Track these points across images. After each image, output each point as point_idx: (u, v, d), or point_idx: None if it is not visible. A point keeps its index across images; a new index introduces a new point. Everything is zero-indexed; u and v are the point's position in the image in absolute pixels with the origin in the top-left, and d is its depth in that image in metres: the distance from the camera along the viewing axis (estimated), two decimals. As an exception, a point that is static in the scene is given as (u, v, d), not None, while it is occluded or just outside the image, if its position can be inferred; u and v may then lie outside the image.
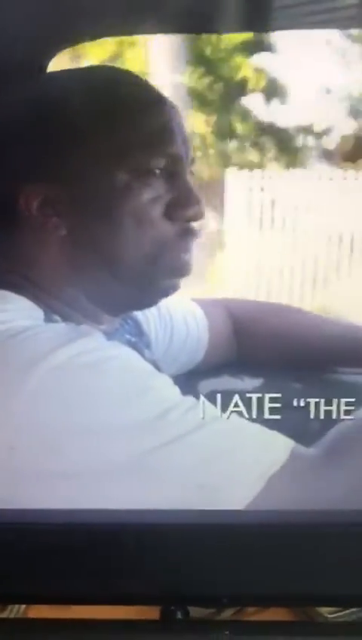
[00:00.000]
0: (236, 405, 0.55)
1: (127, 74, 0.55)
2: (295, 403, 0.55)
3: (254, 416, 0.56)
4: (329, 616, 0.68)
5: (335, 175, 0.55)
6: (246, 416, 0.55)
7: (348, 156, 0.53)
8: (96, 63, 0.57)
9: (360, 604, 0.67)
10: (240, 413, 0.55)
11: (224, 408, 0.55)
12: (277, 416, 0.55)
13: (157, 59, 0.55)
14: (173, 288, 0.57)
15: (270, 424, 0.56)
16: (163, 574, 0.58)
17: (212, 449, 0.55)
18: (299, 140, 0.53)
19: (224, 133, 0.56)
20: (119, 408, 0.54)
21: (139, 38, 0.55)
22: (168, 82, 0.57)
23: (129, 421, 0.54)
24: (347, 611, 0.68)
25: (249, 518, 0.57)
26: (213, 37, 0.51)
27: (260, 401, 0.55)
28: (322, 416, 0.56)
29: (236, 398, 0.55)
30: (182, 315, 0.62)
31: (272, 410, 0.55)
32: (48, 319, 0.56)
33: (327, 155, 0.53)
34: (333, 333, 0.60)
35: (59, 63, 0.57)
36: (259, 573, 0.59)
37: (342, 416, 0.55)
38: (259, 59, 0.52)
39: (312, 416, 0.56)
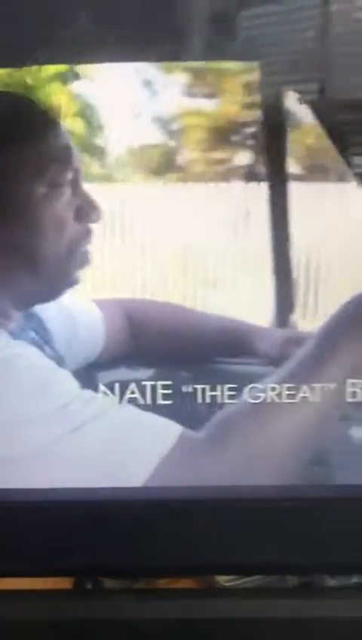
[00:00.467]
0: (132, 392, 0.63)
1: (25, 98, 0.62)
2: (184, 389, 0.64)
3: (148, 401, 0.64)
4: (225, 584, 0.76)
5: (154, 187, 0.65)
6: (142, 401, 0.64)
7: (155, 171, 0.64)
8: None
9: (252, 573, 0.75)
10: (135, 400, 0.63)
11: (121, 395, 0.63)
12: (169, 402, 0.64)
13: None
14: (76, 281, 0.65)
15: (163, 411, 0.64)
16: (74, 548, 0.65)
17: (109, 435, 0.63)
18: (114, 157, 0.64)
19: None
20: (27, 402, 0.62)
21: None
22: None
23: (36, 413, 0.61)
24: (243, 580, 0.77)
25: (146, 495, 0.64)
26: (34, 67, 0.61)
27: (153, 388, 0.63)
28: (208, 401, 0.64)
29: (132, 386, 0.63)
30: (81, 313, 0.69)
31: (164, 396, 0.63)
32: None
33: (142, 170, 0.64)
34: (216, 328, 0.68)
35: None
36: (158, 547, 0.66)
37: (226, 400, 0.64)
38: (74, 86, 0.61)
39: (200, 400, 0.64)
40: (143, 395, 0.63)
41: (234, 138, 0.62)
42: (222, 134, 0.62)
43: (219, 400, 0.63)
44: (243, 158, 0.62)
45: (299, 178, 0.63)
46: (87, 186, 0.63)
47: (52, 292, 0.65)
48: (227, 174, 0.63)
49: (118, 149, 0.63)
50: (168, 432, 0.63)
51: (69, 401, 0.62)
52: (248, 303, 0.67)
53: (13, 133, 0.62)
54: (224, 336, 0.68)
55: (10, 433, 0.61)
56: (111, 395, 0.63)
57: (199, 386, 0.63)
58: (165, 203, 0.65)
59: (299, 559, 0.68)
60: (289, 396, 0.63)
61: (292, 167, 0.63)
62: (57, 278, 0.65)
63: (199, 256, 0.65)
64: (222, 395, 0.64)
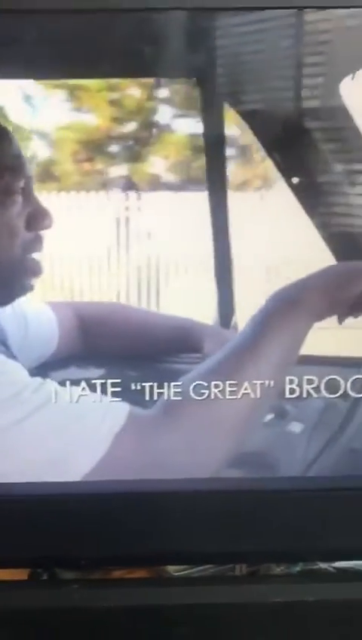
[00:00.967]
0: (83, 389, 0.67)
1: None
2: (133, 387, 0.68)
3: (99, 400, 0.67)
4: (175, 574, 0.80)
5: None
6: (92, 400, 0.67)
7: (42, 178, 0.68)
8: None
9: (201, 562, 0.79)
10: (86, 397, 0.67)
11: (72, 394, 0.67)
12: (118, 399, 0.68)
13: None
14: (31, 288, 0.68)
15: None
16: (29, 539, 0.68)
17: (62, 419, 0.66)
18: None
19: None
20: None
21: None
22: None
23: None
24: (193, 569, 0.81)
25: (97, 487, 0.68)
26: None
27: (103, 385, 0.67)
28: (156, 397, 0.68)
29: (83, 384, 0.67)
30: (34, 314, 0.72)
31: (114, 394, 0.67)
32: None
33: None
34: (164, 327, 0.72)
35: None
36: (110, 538, 0.69)
37: (173, 397, 0.68)
38: None
39: (148, 397, 0.68)
40: (94, 392, 0.67)
41: (109, 150, 0.67)
42: (97, 147, 0.67)
43: (165, 397, 0.68)
44: (119, 169, 0.67)
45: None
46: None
47: (5, 298, 0.68)
48: (104, 184, 0.68)
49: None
50: (118, 410, 0.67)
51: (20, 389, 0.65)
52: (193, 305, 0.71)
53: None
54: (171, 336, 0.72)
55: None
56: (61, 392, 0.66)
57: (147, 384, 0.67)
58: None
59: (245, 549, 0.73)
60: (232, 392, 0.67)
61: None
62: (9, 285, 0.68)
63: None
64: (169, 392, 0.68)
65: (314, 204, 0.68)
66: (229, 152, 0.67)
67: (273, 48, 0.64)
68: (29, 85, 0.65)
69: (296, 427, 0.71)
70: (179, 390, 0.67)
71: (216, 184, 0.67)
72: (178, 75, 0.65)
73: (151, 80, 0.66)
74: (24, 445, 0.65)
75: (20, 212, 0.66)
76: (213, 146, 0.66)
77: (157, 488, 0.69)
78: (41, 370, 0.68)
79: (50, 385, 0.66)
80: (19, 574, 0.75)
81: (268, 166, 0.67)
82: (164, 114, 0.66)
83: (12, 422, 0.65)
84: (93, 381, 0.67)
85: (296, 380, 0.68)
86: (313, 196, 0.68)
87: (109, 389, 0.67)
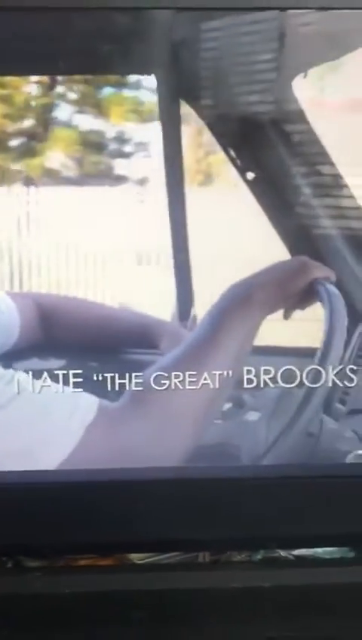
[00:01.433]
0: (45, 380, 0.69)
1: None
2: (94, 378, 0.70)
3: (61, 390, 0.69)
4: (138, 562, 0.81)
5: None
6: (54, 390, 0.69)
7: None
8: None
9: (164, 550, 0.81)
10: (48, 388, 0.69)
11: (35, 384, 0.69)
12: (80, 389, 0.69)
13: None
14: None
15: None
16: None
17: (29, 414, 0.68)
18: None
19: None
20: None
21: None
22: None
23: None
24: (158, 557, 0.83)
25: (63, 477, 0.70)
26: None
27: (65, 376, 0.69)
28: (117, 388, 0.70)
29: (45, 374, 0.69)
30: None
31: (75, 384, 0.69)
32: None
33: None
34: (122, 321, 0.74)
35: None
36: (73, 526, 0.71)
37: (134, 388, 0.70)
38: None
39: (109, 388, 0.70)
40: (56, 382, 0.69)
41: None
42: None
43: (127, 387, 0.70)
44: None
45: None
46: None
47: None
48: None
49: None
50: (88, 403, 0.69)
51: None
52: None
53: None
54: (130, 330, 0.74)
55: None
56: (25, 382, 0.68)
57: (108, 375, 0.69)
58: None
59: (206, 536, 0.75)
60: (191, 383, 0.69)
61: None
62: None
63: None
64: (130, 382, 0.70)
65: (269, 199, 0.70)
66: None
67: (228, 46, 0.66)
68: None
69: (253, 416, 0.74)
70: (140, 381, 0.69)
71: (173, 178, 0.69)
72: (134, 71, 0.67)
73: (45, 78, 0.67)
74: None
75: None
76: (170, 141, 0.68)
77: (121, 477, 0.71)
78: (5, 361, 0.70)
79: (19, 376, 0.68)
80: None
81: (222, 161, 0.69)
82: (59, 111, 0.68)
83: None
84: (56, 372, 0.69)
85: (254, 371, 0.70)
86: (267, 192, 0.70)
87: (71, 380, 0.69)
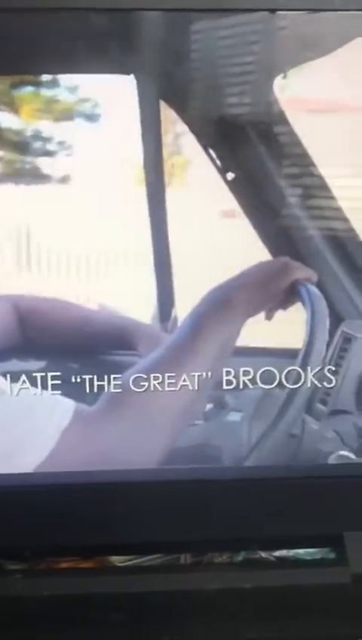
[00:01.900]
0: (23, 382, 0.69)
1: None
2: (73, 379, 0.70)
3: (39, 392, 0.70)
4: (119, 564, 0.81)
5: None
6: (33, 392, 0.70)
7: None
8: None
9: (144, 553, 0.81)
10: (28, 390, 0.69)
11: (13, 386, 0.69)
12: (59, 392, 0.70)
13: None
14: None
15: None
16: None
17: (4, 418, 0.68)
18: None
19: None
20: None
21: None
22: None
23: None
24: (137, 560, 0.83)
25: (42, 479, 0.70)
26: None
27: (43, 378, 0.69)
28: (96, 390, 0.70)
29: (23, 376, 0.69)
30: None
31: (54, 386, 0.70)
32: None
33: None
34: (102, 322, 0.74)
35: None
36: (53, 528, 0.72)
37: (113, 390, 0.71)
38: None
39: (88, 390, 0.70)
40: (34, 385, 0.69)
41: None
42: None
43: (105, 389, 0.70)
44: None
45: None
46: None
47: None
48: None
49: None
50: (65, 407, 0.69)
51: None
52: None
53: None
54: (109, 332, 0.74)
55: None
56: (3, 385, 0.68)
57: (87, 376, 0.70)
58: None
59: (187, 538, 0.76)
60: (170, 384, 0.70)
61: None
62: None
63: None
64: (109, 384, 0.70)
65: (249, 200, 0.71)
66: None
67: (208, 47, 0.67)
68: None
69: (235, 417, 0.74)
70: (119, 383, 0.70)
71: (153, 179, 0.69)
72: (114, 71, 0.67)
73: None
74: None
75: None
76: (149, 141, 0.68)
77: (101, 479, 0.71)
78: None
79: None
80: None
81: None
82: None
83: None
84: (34, 374, 0.69)
85: (233, 372, 0.71)
86: (247, 192, 0.71)
87: (49, 382, 0.69)
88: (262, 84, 0.68)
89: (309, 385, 0.72)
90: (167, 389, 0.70)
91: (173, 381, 0.70)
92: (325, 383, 0.73)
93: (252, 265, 0.72)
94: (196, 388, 0.70)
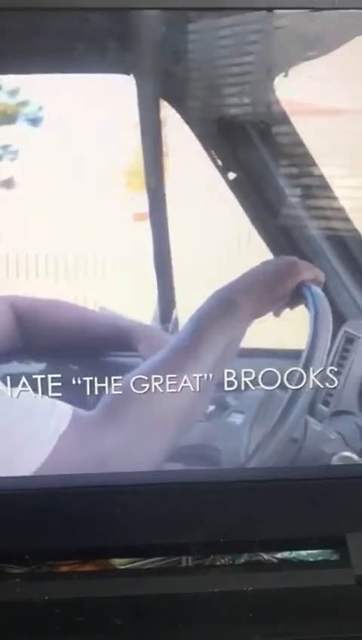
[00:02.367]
0: (24, 385, 0.69)
1: None
2: (73, 381, 0.70)
3: (39, 394, 0.70)
4: (120, 567, 0.82)
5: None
6: (33, 395, 0.70)
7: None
8: None
9: (146, 555, 0.81)
10: (27, 393, 0.70)
11: (13, 388, 0.69)
12: (59, 394, 0.70)
13: None
14: None
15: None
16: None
17: (6, 420, 0.69)
18: None
19: None
20: None
21: None
22: None
23: None
24: (138, 563, 0.83)
25: (40, 483, 0.70)
26: None
27: (44, 381, 0.70)
28: (96, 392, 0.71)
29: (23, 379, 0.69)
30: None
31: (54, 389, 0.70)
32: None
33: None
34: (102, 324, 0.74)
35: None
36: (54, 532, 0.72)
37: (113, 392, 0.71)
38: None
39: (88, 392, 0.71)
40: (34, 387, 0.69)
41: None
42: None
43: (106, 391, 0.70)
44: None
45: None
46: None
47: None
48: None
49: None
50: (62, 412, 0.70)
51: None
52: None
53: None
54: (109, 334, 0.74)
55: None
56: (2, 388, 0.69)
57: (87, 378, 0.70)
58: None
59: (188, 541, 0.76)
60: (172, 386, 0.70)
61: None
62: None
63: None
64: (110, 386, 0.70)
65: (250, 200, 0.71)
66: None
67: (208, 47, 0.67)
68: None
69: (236, 418, 0.74)
70: (119, 384, 0.70)
71: (154, 180, 0.69)
72: (114, 71, 0.67)
73: None
74: None
75: None
76: (149, 142, 0.68)
77: (101, 482, 0.71)
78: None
79: None
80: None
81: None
82: None
83: None
84: (34, 376, 0.69)
85: (234, 373, 0.71)
86: (249, 192, 0.71)
87: (50, 384, 0.70)
88: (262, 83, 0.68)
89: (311, 386, 0.72)
90: (168, 390, 0.70)
91: (175, 382, 0.70)
92: (327, 384, 0.73)
93: (258, 264, 0.71)
94: (197, 389, 0.71)
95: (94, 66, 0.67)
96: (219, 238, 0.70)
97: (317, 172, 0.71)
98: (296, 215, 0.72)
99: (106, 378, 0.70)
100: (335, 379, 0.73)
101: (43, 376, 0.69)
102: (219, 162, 0.70)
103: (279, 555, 0.80)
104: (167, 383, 0.70)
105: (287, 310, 0.73)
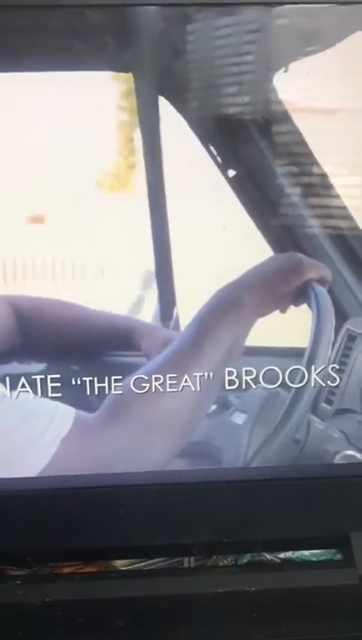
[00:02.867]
0: (23, 386, 0.69)
1: None
2: (73, 382, 0.70)
3: (39, 394, 0.70)
4: (122, 568, 0.82)
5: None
6: (32, 395, 0.70)
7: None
8: None
9: (147, 556, 0.81)
10: (26, 393, 0.70)
11: (13, 389, 0.69)
12: (59, 394, 0.70)
13: None
14: None
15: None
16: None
17: (7, 422, 0.69)
18: None
19: None
20: None
21: None
22: None
23: None
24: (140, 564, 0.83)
25: (43, 484, 0.70)
26: None
27: (43, 381, 0.70)
28: (96, 392, 0.71)
29: (22, 379, 0.69)
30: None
31: (54, 389, 0.70)
32: None
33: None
34: (103, 324, 0.74)
35: None
36: (54, 533, 0.73)
37: (113, 391, 0.71)
38: None
39: (88, 392, 0.71)
40: (34, 388, 0.70)
41: None
42: None
43: (106, 391, 0.70)
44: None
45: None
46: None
47: None
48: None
49: None
50: (64, 415, 0.70)
51: None
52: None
53: None
54: (110, 333, 0.74)
55: None
56: (2, 388, 0.69)
57: (87, 378, 0.70)
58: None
59: (190, 541, 0.76)
60: (172, 385, 0.70)
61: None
62: None
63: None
64: (110, 386, 0.70)
65: (251, 197, 0.71)
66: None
67: (207, 44, 0.67)
68: None
69: (238, 418, 0.75)
70: (120, 384, 0.70)
71: (153, 178, 0.69)
72: (113, 68, 0.68)
73: None
74: None
75: None
76: (149, 140, 0.68)
77: (103, 483, 0.72)
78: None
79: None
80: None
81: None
82: None
83: None
84: (34, 377, 0.70)
85: (235, 372, 0.71)
86: (249, 190, 0.71)
87: (49, 385, 0.70)
88: (261, 79, 0.68)
89: (313, 384, 0.72)
90: (168, 390, 0.70)
91: (175, 382, 0.70)
92: (329, 382, 0.73)
93: (262, 262, 0.71)
94: (198, 389, 0.71)
95: (92, 63, 0.67)
96: (218, 236, 0.70)
97: (318, 169, 0.71)
98: (298, 213, 0.72)
99: (107, 378, 0.70)
100: (337, 377, 0.73)
101: (42, 376, 0.70)
102: (219, 159, 0.70)
103: (282, 555, 0.80)
104: (168, 382, 0.70)
105: (289, 307, 0.73)
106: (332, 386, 0.74)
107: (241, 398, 0.74)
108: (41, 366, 0.71)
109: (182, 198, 0.70)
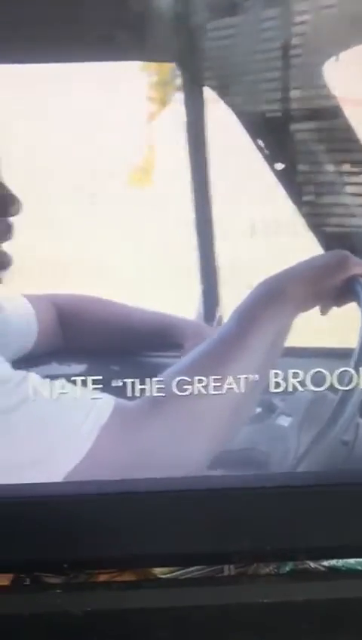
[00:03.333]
0: (62, 387, 0.68)
1: None
2: (114, 383, 0.69)
3: (78, 396, 0.68)
4: (161, 576, 0.81)
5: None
6: (73, 396, 0.68)
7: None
8: None
9: (188, 564, 0.80)
10: (66, 394, 0.68)
11: (52, 391, 0.68)
12: (102, 395, 0.69)
13: None
14: None
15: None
16: (11, 544, 0.69)
17: (41, 419, 0.67)
18: None
19: None
20: None
21: None
22: None
23: None
24: (180, 571, 0.82)
25: (78, 487, 0.69)
26: None
27: (84, 382, 0.68)
28: (138, 394, 0.69)
29: (63, 381, 0.68)
30: (11, 308, 0.72)
31: (94, 390, 0.69)
32: None
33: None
34: (145, 323, 0.73)
35: None
36: (93, 539, 0.71)
37: (155, 394, 0.69)
38: None
39: (129, 394, 0.69)
40: (74, 389, 0.68)
41: None
42: None
43: (147, 393, 0.69)
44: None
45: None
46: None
47: None
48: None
49: None
50: (103, 403, 0.68)
51: (3, 381, 0.66)
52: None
53: None
54: (152, 331, 0.73)
55: None
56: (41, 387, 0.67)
57: (129, 380, 0.68)
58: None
59: (233, 549, 0.74)
60: (216, 388, 0.69)
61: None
62: None
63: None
64: (151, 388, 0.69)
65: (299, 192, 0.70)
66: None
67: (251, 32, 0.65)
68: None
69: (284, 421, 0.73)
70: (161, 386, 0.69)
71: (197, 170, 0.68)
72: (158, 58, 0.66)
73: None
74: (6, 443, 0.66)
75: None
76: (194, 131, 0.67)
77: (142, 488, 0.70)
78: (22, 364, 0.69)
79: (32, 379, 0.67)
80: (1, 580, 0.76)
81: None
82: None
83: None
84: (74, 377, 0.68)
85: (281, 374, 0.69)
86: (298, 184, 0.69)
87: (90, 386, 0.68)
88: (310, 69, 0.66)
89: (362, 386, 0.71)
90: (211, 392, 0.69)
91: (219, 384, 0.68)
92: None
93: (308, 257, 0.70)
94: (243, 391, 0.69)
95: (137, 53, 0.66)
96: (264, 233, 0.69)
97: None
98: (348, 211, 0.71)
99: (148, 379, 0.69)
100: (387, 379, 0.71)
101: (83, 377, 0.68)
102: (267, 152, 0.68)
103: (326, 563, 0.78)
104: (211, 384, 0.69)
105: (341, 307, 0.71)
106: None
107: (286, 401, 0.72)
108: (82, 367, 0.70)
109: (227, 194, 0.69)
